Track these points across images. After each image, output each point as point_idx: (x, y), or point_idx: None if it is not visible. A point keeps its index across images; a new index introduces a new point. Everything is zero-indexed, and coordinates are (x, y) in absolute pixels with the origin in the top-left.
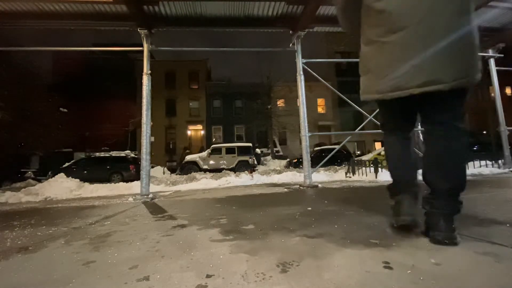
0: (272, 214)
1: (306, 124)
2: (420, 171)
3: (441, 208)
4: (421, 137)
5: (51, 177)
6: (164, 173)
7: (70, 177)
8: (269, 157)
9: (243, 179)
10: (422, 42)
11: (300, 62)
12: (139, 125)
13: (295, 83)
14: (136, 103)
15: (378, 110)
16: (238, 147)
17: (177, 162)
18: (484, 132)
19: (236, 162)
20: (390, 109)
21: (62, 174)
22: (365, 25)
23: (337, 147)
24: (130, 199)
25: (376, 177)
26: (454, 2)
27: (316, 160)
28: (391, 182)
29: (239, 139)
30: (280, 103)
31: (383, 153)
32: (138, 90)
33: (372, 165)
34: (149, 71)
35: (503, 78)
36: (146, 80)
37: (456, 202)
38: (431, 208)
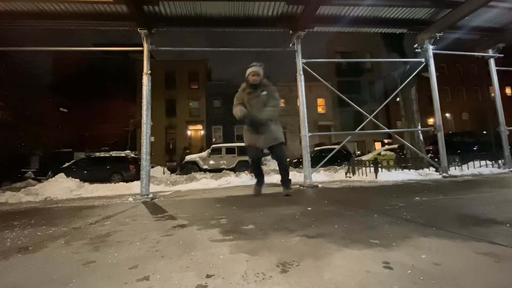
0: (272, 214)
1: (306, 124)
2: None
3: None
4: (421, 137)
5: (51, 177)
6: (164, 173)
7: (70, 177)
8: (269, 157)
9: (243, 179)
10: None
11: (300, 62)
12: (139, 125)
13: (295, 83)
14: (136, 103)
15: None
16: (238, 147)
17: (177, 162)
18: (484, 132)
19: (236, 162)
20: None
21: (62, 174)
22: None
23: (337, 147)
24: (130, 199)
25: (376, 177)
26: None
27: (316, 160)
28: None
29: (239, 139)
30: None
31: (383, 153)
32: (138, 90)
33: (372, 165)
34: (149, 71)
35: (503, 78)
36: (146, 80)
37: (289, 179)
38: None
